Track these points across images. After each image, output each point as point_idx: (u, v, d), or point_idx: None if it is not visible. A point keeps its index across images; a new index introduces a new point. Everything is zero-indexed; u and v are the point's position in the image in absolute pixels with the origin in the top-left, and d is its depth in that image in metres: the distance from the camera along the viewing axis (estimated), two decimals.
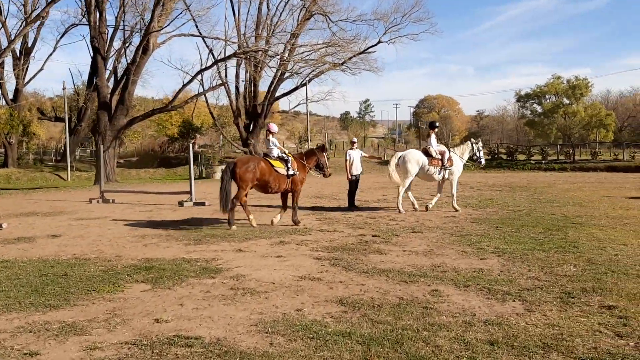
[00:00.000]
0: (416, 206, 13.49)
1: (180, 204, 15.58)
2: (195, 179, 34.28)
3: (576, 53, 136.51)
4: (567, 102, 72.31)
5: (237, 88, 37.95)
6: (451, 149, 13.89)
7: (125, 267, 7.47)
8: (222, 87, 36.97)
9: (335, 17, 35.21)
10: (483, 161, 14.64)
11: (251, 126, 38.37)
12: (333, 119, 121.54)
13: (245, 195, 10.82)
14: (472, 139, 15.26)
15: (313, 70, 37.62)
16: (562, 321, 4.84)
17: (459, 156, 13.82)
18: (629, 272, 6.61)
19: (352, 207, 14.01)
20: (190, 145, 17.02)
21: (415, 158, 13.02)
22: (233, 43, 30.04)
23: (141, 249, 8.89)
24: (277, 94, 39.52)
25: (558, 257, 7.62)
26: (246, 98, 38.65)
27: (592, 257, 7.52)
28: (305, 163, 11.40)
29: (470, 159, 14.33)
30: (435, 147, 13.34)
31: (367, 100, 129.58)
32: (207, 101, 38.66)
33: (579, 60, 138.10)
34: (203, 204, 15.60)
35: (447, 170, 13.32)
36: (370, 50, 37.26)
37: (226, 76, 37.54)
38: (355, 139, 15.06)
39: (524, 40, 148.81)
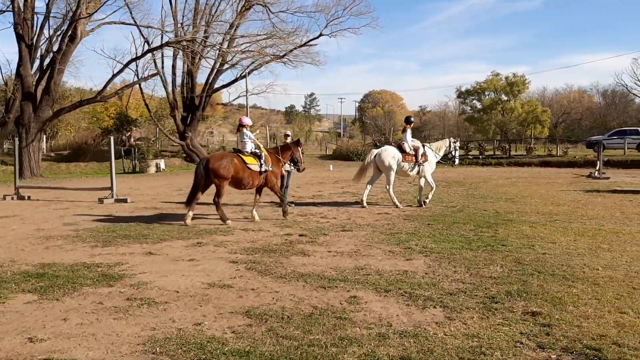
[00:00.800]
0: (364, 204, 13.06)
1: (100, 200, 14.57)
2: (127, 173, 33.19)
3: (515, 51, 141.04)
4: (505, 98, 74.31)
5: (173, 79, 36.58)
6: (426, 145, 13.71)
7: (15, 273, 6.63)
8: (159, 78, 35.59)
9: (275, 9, 34.41)
10: (457, 161, 14.53)
11: (189, 119, 37.09)
12: (278, 112, 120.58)
13: (202, 193, 10.63)
14: (452, 137, 14.97)
15: (253, 62, 36.72)
16: (483, 331, 4.46)
17: (434, 152, 13.62)
18: (556, 273, 6.37)
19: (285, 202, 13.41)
20: (111, 139, 16.06)
21: (391, 154, 12.89)
22: (167, 32, 28.73)
23: (41, 252, 8.02)
24: (216, 86, 38.36)
25: (485, 256, 7.33)
26: (184, 90, 37.32)
27: (520, 257, 7.28)
28: (279, 157, 11.24)
29: (445, 156, 14.16)
30: (409, 142, 13.16)
31: (312, 94, 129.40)
32: (142, 92, 37.04)
33: (518, 58, 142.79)
34: (125, 200, 14.64)
35: (421, 166, 13.13)
36: (311, 43, 36.72)
37: (163, 67, 36.08)
38: (289, 132, 14.45)
39: (466, 37, 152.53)
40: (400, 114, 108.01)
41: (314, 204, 13.87)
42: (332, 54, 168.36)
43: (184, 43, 28.72)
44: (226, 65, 37.48)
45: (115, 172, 34.14)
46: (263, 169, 10.69)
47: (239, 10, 35.10)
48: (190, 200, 10.36)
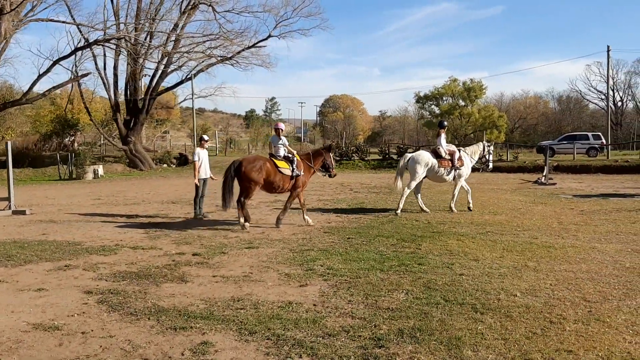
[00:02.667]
0: (425, 209, 12.63)
1: None
2: (63, 180, 31.25)
3: (474, 57, 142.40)
4: (463, 103, 74.63)
5: (115, 81, 34.82)
6: (462, 149, 13.28)
7: None
8: (101, 80, 33.86)
9: (220, 8, 33.14)
10: (491, 165, 14.08)
11: (132, 122, 35.38)
12: (239, 116, 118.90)
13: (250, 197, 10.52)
14: (485, 141, 14.46)
15: (200, 64, 35.32)
16: None
17: (469, 157, 13.20)
18: (465, 302, 5.38)
19: (197, 215, 12.19)
20: (8, 143, 14.42)
21: (424, 160, 12.44)
22: (97, 30, 26.97)
23: None
24: (160, 88, 36.78)
25: (394, 279, 6.31)
26: (127, 92, 35.61)
27: (433, 279, 6.29)
28: (311, 164, 11.08)
29: (479, 160, 13.63)
30: (444, 147, 12.74)
31: (273, 98, 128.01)
32: (81, 95, 35.23)
33: (477, 64, 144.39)
34: (23, 212, 13.12)
35: (457, 171, 12.70)
36: (260, 44, 35.61)
37: (105, 68, 34.37)
38: (205, 136, 13.13)
39: (427, 43, 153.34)
40: (360, 118, 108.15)
41: (234, 216, 12.66)
42: (295, 58, 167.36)
43: (114, 41, 27.06)
44: (172, 67, 36.02)
45: (50, 179, 32.41)
46: (295, 174, 10.55)
47: (183, 9, 33.65)
48: (227, 203, 10.29)
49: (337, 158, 35.15)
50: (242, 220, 10.34)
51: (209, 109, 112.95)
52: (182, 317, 5.02)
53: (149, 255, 7.95)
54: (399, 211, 12.29)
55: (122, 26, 31.90)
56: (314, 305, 5.39)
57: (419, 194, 13.00)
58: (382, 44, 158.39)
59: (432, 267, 6.94)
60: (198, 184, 12.19)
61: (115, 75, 34.58)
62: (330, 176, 11.68)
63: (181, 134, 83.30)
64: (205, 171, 12.44)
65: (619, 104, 72.70)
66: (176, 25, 33.75)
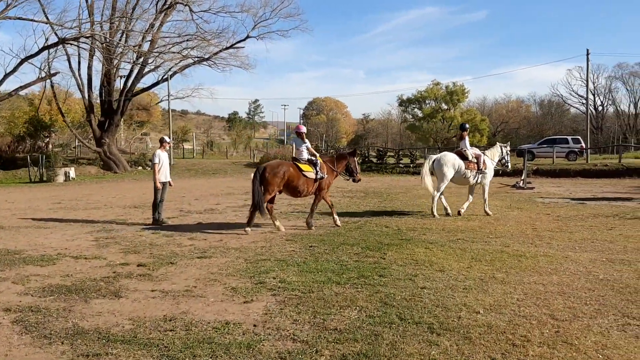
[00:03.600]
0: (449, 211, 12.51)
1: None
2: (33, 182, 30.32)
3: (458, 61, 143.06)
4: (446, 107, 74.60)
5: (89, 82, 33.93)
6: (484, 152, 13.14)
7: None
8: (75, 80, 32.98)
9: (197, 8, 32.43)
10: (510, 165, 14.11)
11: (106, 124, 34.52)
12: (222, 119, 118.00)
13: (272, 201, 10.48)
14: (501, 143, 14.53)
15: (176, 65, 34.59)
16: None
17: (491, 159, 13.14)
18: (422, 321, 4.87)
19: (156, 222, 11.54)
20: None
21: (450, 161, 12.31)
22: (68, 28, 26.01)
23: None
24: (136, 89, 35.98)
25: (349, 294, 5.78)
26: (102, 92, 34.74)
27: (392, 294, 5.77)
28: (334, 167, 11.02)
29: (498, 162, 13.59)
30: (470, 149, 12.68)
31: (256, 100, 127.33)
32: (54, 95, 34.30)
33: (461, 68, 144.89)
34: None
35: (482, 175, 12.60)
36: (238, 45, 34.99)
37: (79, 68, 33.49)
38: (167, 138, 12.49)
39: (412, 47, 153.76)
40: (344, 121, 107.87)
41: (196, 221, 12.07)
42: (280, 60, 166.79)
43: (83, 40, 26.25)
44: (148, 68, 35.21)
45: (21, 181, 31.43)
46: (319, 176, 10.49)
47: (159, 8, 32.90)
48: (255, 211, 10.06)
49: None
50: (277, 223, 10.44)
51: (191, 111, 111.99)
52: (101, 340, 4.44)
53: (90, 266, 7.33)
54: (436, 214, 12.20)
55: (96, 25, 31.10)
56: (254, 325, 4.84)
57: (443, 196, 12.74)
58: (367, 47, 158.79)
59: (393, 279, 6.43)
60: (159, 187, 11.54)
61: (89, 76, 33.74)
62: (354, 181, 11.56)
63: (162, 136, 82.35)
64: (165, 175, 11.77)
65: (600, 108, 73.18)
66: (152, 25, 33.00)
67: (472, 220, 11.64)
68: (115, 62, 32.83)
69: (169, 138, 12.58)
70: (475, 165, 12.52)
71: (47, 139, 44.71)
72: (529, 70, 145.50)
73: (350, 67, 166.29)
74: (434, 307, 5.32)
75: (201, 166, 35.64)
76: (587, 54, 34.99)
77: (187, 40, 32.52)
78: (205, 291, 6.04)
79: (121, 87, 34.81)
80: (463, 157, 12.50)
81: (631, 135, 61.66)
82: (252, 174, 10.25)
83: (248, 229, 10.09)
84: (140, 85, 36.16)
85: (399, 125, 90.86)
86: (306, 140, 10.77)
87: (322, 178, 10.57)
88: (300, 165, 10.41)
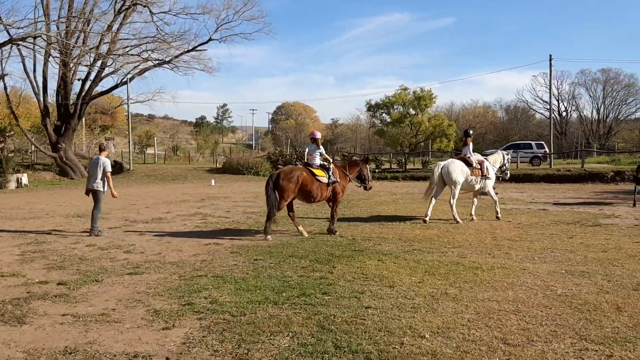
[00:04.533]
0: (427, 219, 12.18)
1: None
2: None
3: (426, 67, 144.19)
4: (413, 112, 74.81)
5: (44, 85, 32.60)
6: (486, 159, 13.19)
7: None
8: (30, 83, 31.72)
9: (157, 9, 31.50)
10: (508, 173, 14.16)
11: (62, 128, 33.24)
12: (190, 123, 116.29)
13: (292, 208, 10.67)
14: (503, 150, 14.56)
15: (136, 67, 33.56)
16: None
17: (492, 165, 13.17)
18: (359, 349, 4.32)
19: (93, 229, 10.78)
20: None
21: (459, 167, 12.30)
22: (11, 27, 24.72)
23: None
24: (95, 93, 34.78)
25: (285, 316, 5.19)
26: (58, 96, 33.45)
27: (332, 315, 5.21)
28: (346, 172, 11.04)
29: (499, 169, 13.65)
30: (474, 156, 12.73)
31: (224, 105, 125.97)
32: (8, 98, 32.90)
33: (429, 74, 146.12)
34: None
35: (486, 180, 12.67)
36: (200, 48, 34.15)
37: (34, 70, 32.17)
38: (105, 143, 11.76)
39: (380, 53, 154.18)
40: (312, 126, 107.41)
41: (139, 232, 11.34)
42: (250, 66, 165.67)
43: (30, 40, 25.10)
44: (107, 70, 34.08)
45: None
46: (331, 180, 10.50)
47: (118, 9, 31.85)
48: (271, 217, 10.08)
49: (281, 166, 34.07)
50: (300, 228, 10.43)
51: (159, 116, 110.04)
52: None
53: (4, 285, 6.57)
54: (459, 220, 12.09)
55: (52, 24, 29.92)
56: (167, 359, 4.21)
57: (435, 200, 12.58)
58: (336, 53, 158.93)
59: (337, 298, 5.87)
60: (116, 196, 10.93)
61: (45, 79, 32.43)
62: (365, 188, 11.54)
63: (102, 142, 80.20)
64: (97, 181, 11.02)
65: (564, 114, 74.39)
66: (110, 26, 31.94)
67: (431, 229, 11.20)
68: (72, 64, 31.68)
69: (111, 143, 11.94)
70: (480, 171, 12.54)
71: (2, 144, 43.00)
72: (496, 77, 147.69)
73: (319, 72, 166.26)
74: (376, 332, 4.77)
75: (161, 172, 34.57)
76: (550, 60, 35.27)
77: (147, 43, 31.56)
78: (124, 315, 5.38)
79: (78, 90, 33.56)
80: (467, 163, 12.48)
81: (594, 140, 62.73)
82: (265, 181, 10.35)
83: (269, 237, 9.95)
84: (99, 88, 34.96)
85: (367, 130, 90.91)
86: (321, 147, 10.79)
87: (335, 182, 10.58)
88: (313, 170, 10.43)
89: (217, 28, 33.73)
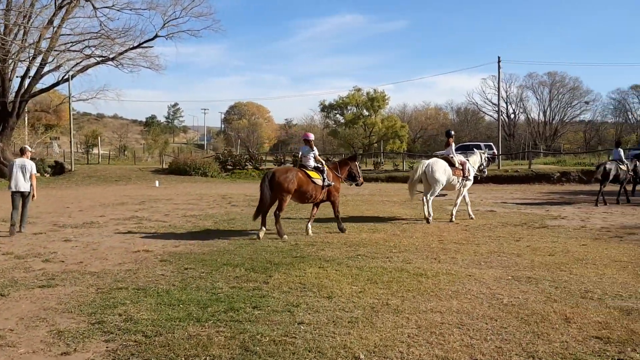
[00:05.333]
0: (430, 219, 12.24)
1: None
2: None
3: (381, 69, 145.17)
4: (367, 113, 75.14)
5: None
6: (467, 160, 13.29)
7: None
8: None
9: (100, 4, 30.15)
10: (486, 172, 14.44)
11: (0, 127, 31.41)
12: (140, 123, 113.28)
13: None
14: (481, 150, 14.80)
15: (79, 64, 32.07)
16: None
17: (472, 166, 13.32)
18: None
19: (13, 232, 9.97)
20: None
21: (442, 167, 12.37)
22: None
23: None
24: (35, 90, 33.06)
25: (206, 336, 4.63)
26: None
27: (259, 334, 4.68)
28: (338, 174, 11.14)
29: (478, 168, 13.80)
30: (456, 156, 12.85)
31: (176, 104, 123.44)
32: None
33: (383, 76, 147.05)
34: None
35: (465, 181, 12.86)
36: (146, 45, 32.95)
37: None
38: (29, 147, 10.97)
39: (335, 54, 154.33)
40: (266, 126, 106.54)
41: (65, 238, 10.51)
42: (204, 65, 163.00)
43: None
44: (48, 67, 32.42)
45: None
46: (326, 183, 10.57)
47: (59, 3, 30.32)
48: (259, 215, 10.13)
49: (230, 167, 33.27)
50: (282, 232, 10.16)
51: (108, 115, 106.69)
52: None
53: None
54: (430, 218, 12.22)
55: None
56: None
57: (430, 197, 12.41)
58: (291, 53, 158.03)
59: (268, 312, 5.33)
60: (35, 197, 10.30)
61: None
62: (357, 185, 11.79)
63: (74, 141, 77.12)
64: (21, 183, 10.31)
65: (512, 116, 76.17)
66: (51, 21, 30.39)
67: (378, 232, 10.82)
68: (11, 60, 30.00)
69: (29, 147, 11.21)
70: (461, 171, 12.68)
71: None
72: (447, 79, 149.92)
73: (274, 72, 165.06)
74: (306, 353, 4.27)
75: (104, 173, 33.14)
76: (499, 62, 35.82)
77: (90, 39, 30.17)
78: (21, 337, 4.69)
79: (17, 88, 31.78)
80: (450, 163, 12.57)
81: (541, 142, 64.44)
82: (260, 180, 10.39)
83: (285, 236, 9.97)
84: (40, 85, 33.29)
85: (321, 130, 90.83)
86: (314, 148, 10.77)
87: (329, 185, 10.67)
88: (308, 172, 10.48)
89: (164, 24, 32.66)
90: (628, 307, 5.47)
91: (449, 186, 12.70)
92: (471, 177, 13.10)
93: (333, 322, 5.05)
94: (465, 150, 34.06)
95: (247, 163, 33.31)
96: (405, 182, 27.12)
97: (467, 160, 13.19)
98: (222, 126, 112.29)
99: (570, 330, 4.77)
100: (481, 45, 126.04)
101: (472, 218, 12.83)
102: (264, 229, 10.10)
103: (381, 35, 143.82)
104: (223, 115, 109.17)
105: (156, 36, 32.62)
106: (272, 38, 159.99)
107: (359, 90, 75.25)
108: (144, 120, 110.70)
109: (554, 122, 73.58)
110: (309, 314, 5.31)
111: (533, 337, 4.61)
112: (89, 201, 18.33)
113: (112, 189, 25.27)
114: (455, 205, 13.00)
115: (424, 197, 12.34)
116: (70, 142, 37.77)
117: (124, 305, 5.61)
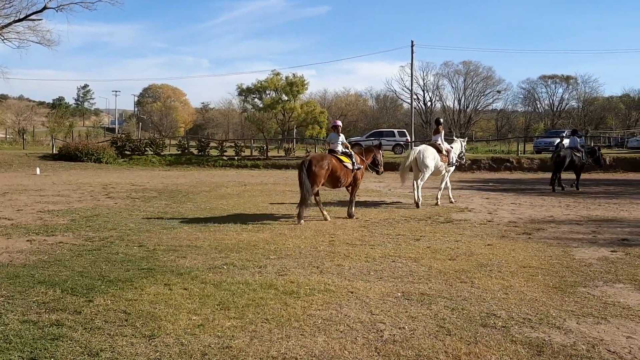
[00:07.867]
0: (419, 204, 12.59)
1: None
2: None
3: (301, 54, 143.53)
4: (286, 98, 73.35)
5: None
6: (450, 147, 13.66)
7: None
8: None
9: None
10: (465, 159, 15.14)
11: None
12: (48, 105, 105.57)
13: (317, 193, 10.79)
14: (461, 138, 15.53)
15: None
16: None
17: (455, 154, 13.76)
18: None
19: None
20: None
21: (432, 154, 12.78)
22: None
23: None
24: None
25: None
26: None
27: None
28: (364, 159, 11.41)
29: (458, 155, 14.17)
30: (444, 144, 13.27)
31: (86, 85, 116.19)
32: None
33: (304, 61, 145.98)
34: None
35: (449, 168, 13.43)
36: (33, 17, 29.47)
37: None
38: None
39: (256, 37, 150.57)
40: (182, 109, 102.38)
41: None
42: (121, 45, 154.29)
43: None
44: None
45: None
46: (356, 167, 10.85)
47: None
48: (303, 205, 10.12)
49: (129, 152, 30.60)
50: (324, 213, 10.68)
51: (13, 96, 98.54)
52: None
53: None
54: (420, 203, 12.52)
55: None
56: None
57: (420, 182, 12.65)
58: (210, 36, 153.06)
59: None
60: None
61: None
62: (378, 173, 12.08)
63: None
64: None
65: (429, 103, 77.05)
66: None
67: (262, 231, 9.25)
68: None
69: None
70: (447, 158, 13.15)
71: None
72: (368, 66, 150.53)
73: (193, 54, 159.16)
74: None
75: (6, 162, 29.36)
76: (412, 46, 35.30)
77: None
78: None
79: None
80: (438, 150, 12.95)
81: (455, 129, 65.50)
82: (298, 168, 10.52)
83: (302, 221, 10.03)
84: None
85: (239, 115, 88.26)
86: (341, 134, 11.12)
87: (359, 169, 11.00)
88: (339, 157, 10.71)
89: None
90: (538, 341, 4.23)
91: (436, 171, 13.03)
92: (455, 163, 13.66)
93: None
94: (379, 136, 33.40)
95: (147, 148, 30.72)
96: None
97: (451, 147, 13.56)
98: (135, 109, 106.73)
99: None
100: (401, 34, 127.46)
101: (453, 202, 13.45)
102: (324, 213, 10.64)
103: (302, 20, 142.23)
104: (136, 98, 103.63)
105: (45, 8, 29.27)
106: (192, 19, 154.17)
107: (278, 74, 73.00)
108: (51, 102, 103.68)
109: (468, 110, 75.12)
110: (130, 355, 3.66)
111: None
112: None
113: None
114: (440, 189, 13.48)
115: (414, 182, 12.56)
116: None
117: None
